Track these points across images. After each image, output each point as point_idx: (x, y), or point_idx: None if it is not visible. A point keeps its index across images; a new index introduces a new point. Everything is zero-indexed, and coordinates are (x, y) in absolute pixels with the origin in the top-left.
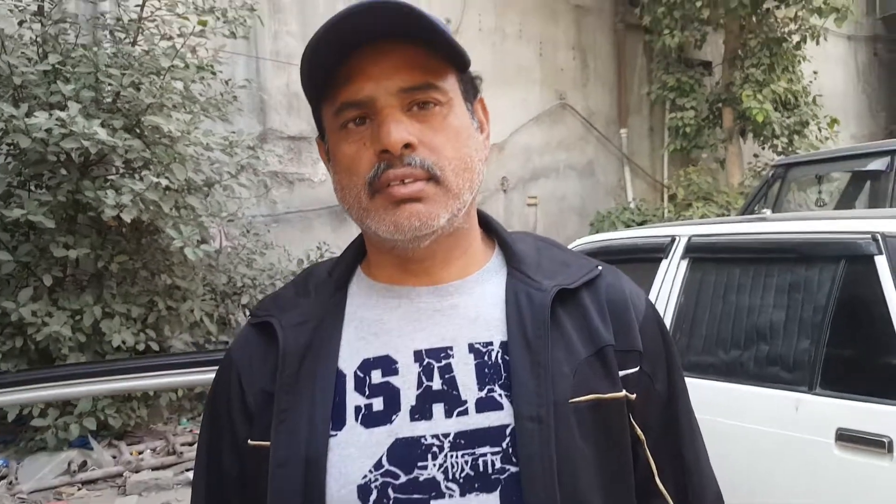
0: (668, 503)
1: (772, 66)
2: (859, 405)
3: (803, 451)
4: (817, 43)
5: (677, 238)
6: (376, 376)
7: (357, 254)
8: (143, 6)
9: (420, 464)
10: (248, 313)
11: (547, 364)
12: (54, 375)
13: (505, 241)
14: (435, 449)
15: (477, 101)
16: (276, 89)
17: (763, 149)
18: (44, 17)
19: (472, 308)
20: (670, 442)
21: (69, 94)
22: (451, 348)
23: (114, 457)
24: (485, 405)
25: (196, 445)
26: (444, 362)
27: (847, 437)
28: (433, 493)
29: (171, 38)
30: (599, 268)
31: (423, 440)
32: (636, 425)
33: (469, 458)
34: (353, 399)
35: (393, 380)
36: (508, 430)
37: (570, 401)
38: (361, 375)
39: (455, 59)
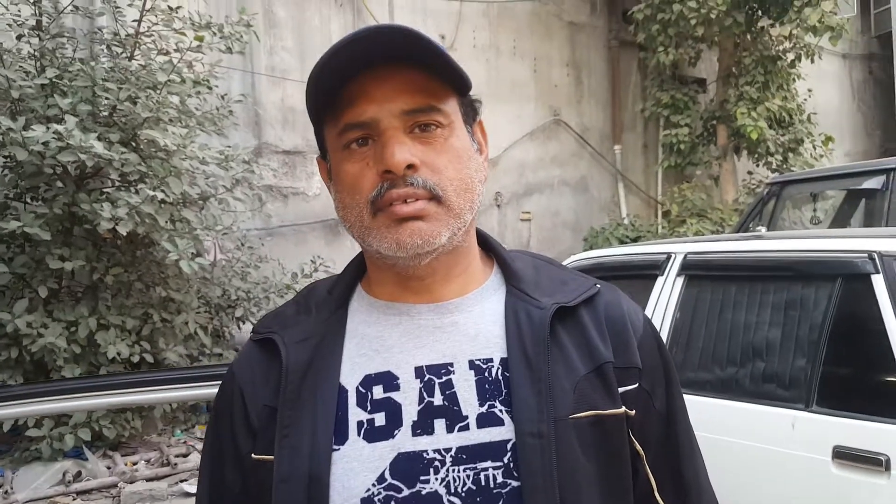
0: None
1: (766, 84)
2: (856, 423)
3: (800, 469)
4: (812, 61)
5: (673, 255)
6: (378, 392)
7: (357, 272)
8: (140, 21)
9: (422, 478)
10: (241, 326)
11: (547, 380)
12: (52, 390)
13: (503, 260)
14: (437, 463)
15: (476, 124)
16: (271, 104)
17: (757, 166)
18: (42, 32)
19: (471, 325)
20: (669, 458)
21: (66, 108)
22: (451, 365)
23: (108, 467)
24: (486, 420)
25: (199, 460)
26: (444, 378)
27: (844, 455)
28: None
29: (167, 52)
30: (598, 286)
31: (425, 454)
32: (635, 441)
33: (471, 473)
34: (356, 414)
35: (394, 395)
36: (510, 445)
37: (571, 416)
38: (363, 391)
39: (456, 83)
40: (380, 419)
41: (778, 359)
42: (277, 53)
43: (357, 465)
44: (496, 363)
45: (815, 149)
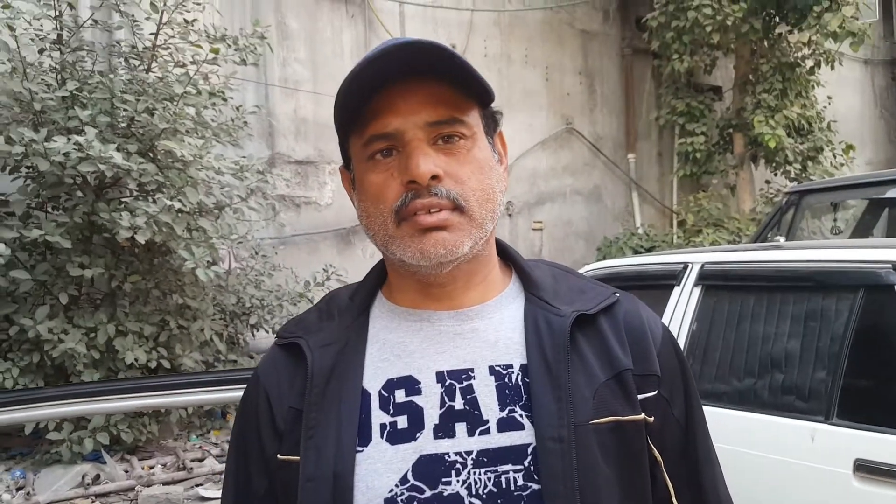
0: None
1: (784, 92)
2: (878, 436)
3: (820, 482)
4: (832, 68)
5: (690, 265)
6: (400, 395)
7: (378, 279)
8: (157, 34)
9: (444, 479)
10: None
11: (567, 387)
12: (71, 393)
13: (522, 268)
14: (458, 466)
15: (497, 135)
16: (284, 115)
17: (775, 175)
18: (62, 46)
19: (491, 332)
20: (687, 465)
21: (86, 120)
22: (472, 370)
23: (126, 471)
24: (506, 425)
25: (214, 465)
26: (465, 383)
27: (866, 468)
28: None
29: (184, 65)
30: (617, 294)
31: (446, 457)
32: (654, 448)
33: (492, 476)
34: (379, 417)
35: (416, 399)
36: (530, 449)
37: (591, 422)
38: (386, 394)
39: (479, 95)
40: (402, 422)
41: (797, 370)
42: (290, 65)
43: (380, 466)
44: (516, 369)
45: (835, 157)
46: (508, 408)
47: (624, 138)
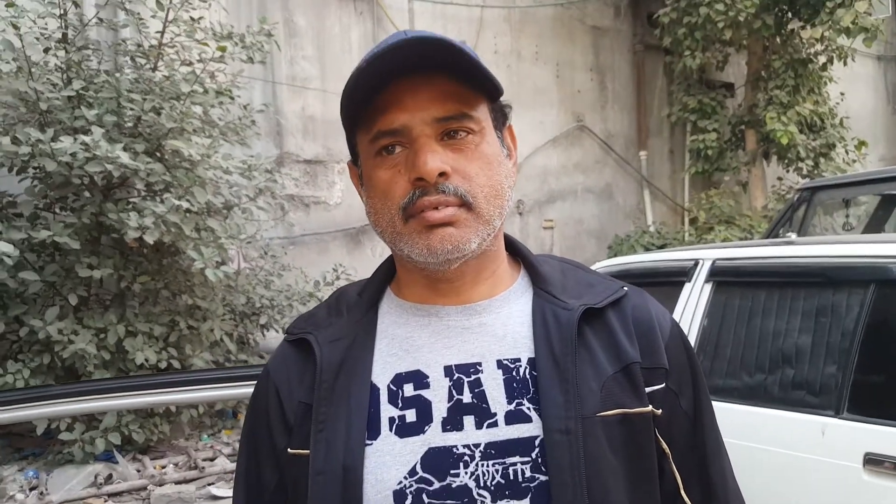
0: None
1: (797, 88)
2: (888, 430)
3: (830, 476)
4: (845, 64)
5: (701, 261)
6: (408, 389)
7: (386, 275)
8: (163, 32)
9: (453, 471)
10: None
11: (574, 380)
12: (82, 390)
13: (531, 263)
14: (466, 458)
15: (506, 129)
16: (292, 113)
17: (787, 172)
18: (68, 45)
19: (499, 326)
20: (696, 457)
21: (92, 119)
22: (479, 364)
23: (138, 470)
24: (514, 418)
25: (226, 464)
26: (473, 377)
27: (876, 462)
28: (466, 500)
29: (190, 63)
30: (625, 288)
31: (454, 449)
32: (662, 440)
33: (500, 467)
34: (387, 411)
35: (424, 393)
36: (538, 442)
37: (598, 415)
38: (394, 389)
39: (488, 89)
40: (411, 415)
41: (808, 365)
42: (298, 63)
43: (389, 459)
44: (524, 363)
45: (847, 154)
46: (516, 401)
47: (635, 135)
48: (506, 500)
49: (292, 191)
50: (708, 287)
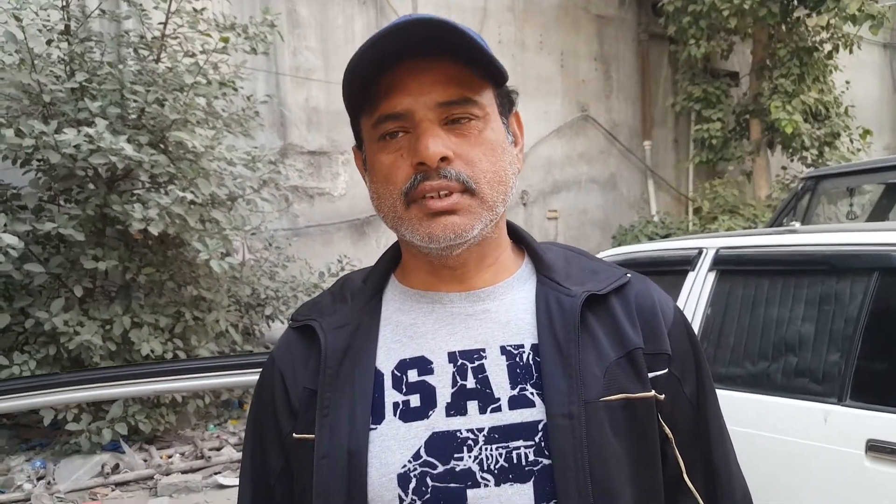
0: (698, 501)
1: (802, 77)
2: (891, 416)
3: (833, 463)
4: (850, 52)
5: (705, 250)
6: (413, 375)
7: (390, 263)
8: (165, 24)
9: (456, 455)
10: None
11: (577, 365)
12: (87, 378)
13: (534, 251)
14: (470, 442)
15: (512, 115)
16: (295, 105)
17: (792, 161)
18: (70, 37)
19: (503, 313)
20: (699, 442)
21: (96, 111)
22: (483, 350)
23: (144, 460)
24: (517, 403)
25: (231, 453)
26: (477, 363)
27: (878, 449)
28: (469, 483)
29: (193, 54)
30: (628, 275)
31: (458, 434)
32: (664, 425)
33: (503, 451)
34: (392, 396)
35: (428, 379)
36: (541, 426)
37: (601, 399)
38: (398, 374)
39: (493, 74)
40: (415, 401)
41: (811, 353)
42: (301, 53)
43: (393, 444)
44: (527, 349)
45: (852, 143)
46: (519, 386)
47: (640, 125)
48: (509, 483)
49: (296, 182)
50: (712, 276)
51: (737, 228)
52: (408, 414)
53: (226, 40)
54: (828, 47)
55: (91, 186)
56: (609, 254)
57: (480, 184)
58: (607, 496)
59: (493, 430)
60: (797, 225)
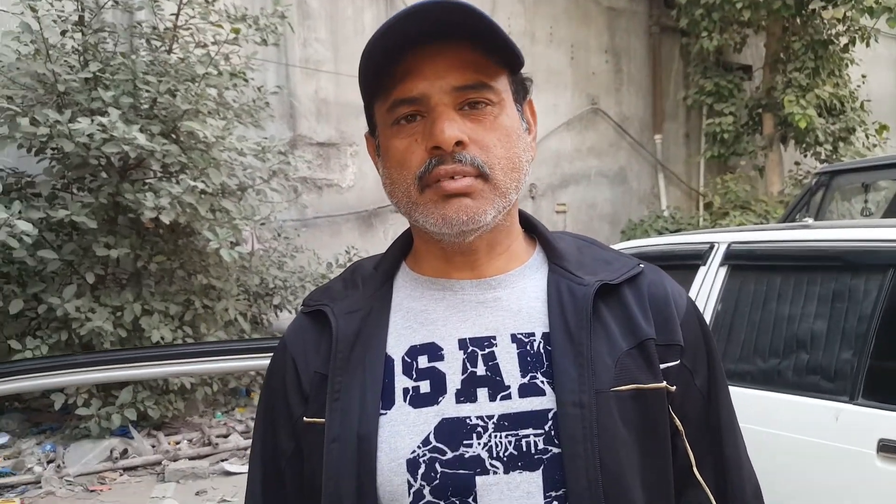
0: (707, 493)
1: (816, 70)
2: None
3: (843, 462)
4: (867, 45)
5: (716, 245)
6: (423, 361)
7: (401, 250)
8: (177, 15)
9: (466, 442)
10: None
11: (588, 354)
12: (98, 360)
13: (546, 239)
14: (479, 429)
15: (526, 103)
16: (305, 96)
17: (805, 156)
18: (84, 27)
19: (514, 301)
20: (709, 435)
21: (109, 101)
22: (494, 338)
23: (153, 446)
24: (527, 391)
25: (253, 426)
26: (487, 350)
27: (890, 448)
28: (478, 470)
29: (205, 45)
30: (641, 265)
31: (468, 420)
32: (675, 416)
33: (513, 439)
34: (402, 382)
35: (439, 365)
36: (551, 414)
37: (612, 389)
38: (409, 360)
39: (509, 60)
40: (425, 387)
41: (823, 350)
42: (311, 45)
43: (403, 429)
44: (538, 337)
45: (867, 138)
46: (530, 374)
47: (650, 119)
48: (518, 471)
49: (305, 173)
50: (723, 270)
51: (748, 224)
52: (418, 400)
53: (237, 31)
54: (844, 40)
55: (104, 175)
56: (619, 247)
57: (495, 170)
58: (617, 486)
59: (502, 417)
60: (810, 221)
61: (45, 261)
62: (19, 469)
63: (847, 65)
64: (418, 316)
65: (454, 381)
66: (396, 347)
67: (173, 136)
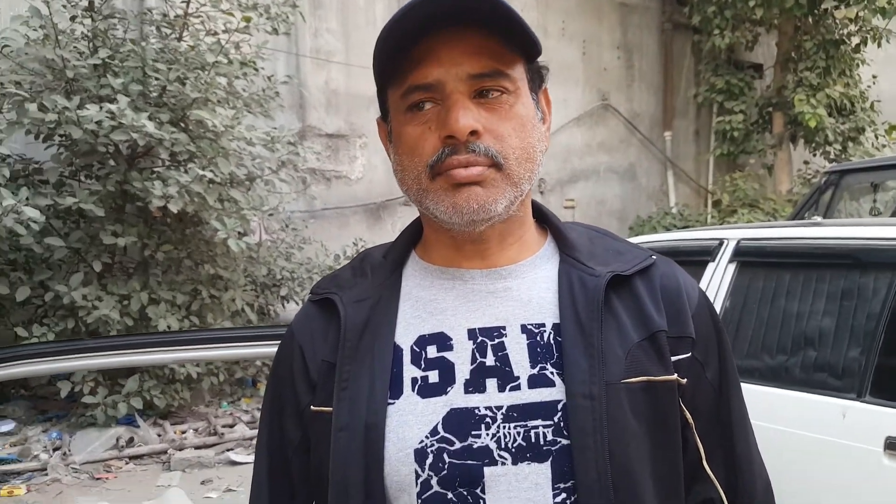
0: (717, 487)
1: (827, 70)
2: None
3: (850, 459)
4: (879, 45)
5: (725, 241)
6: (432, 351)
7: (411, 238)
8: (188, 2)
9: (474, 432)
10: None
11: (599, 346)
12: (101, 346)
13: (558, 230)
14: (488, 420)
15: (542, 92)
16: (315, 87)
17: (814, 155)
18: (94, 13)
19: (524, 291)
20: (720, 429)
21: (118, 88)
22: (503, 328)
23: (158, 435)
24: (537, 382)
25: (260, 414)
26: (497, 341)
27: None
28: (486, 460)
29: (215, 33)
30: (654, 257)
31: (476, 411)
32: (685, 409)
33: (521, 430)
34: (410, 371)
35: (448, 355)
36: (560, 406)
37: (622, 381)
38: (417, 350)
39: (526, 48)
40: (433, 376)
41: (831, 348)
42: (322, 35)
43: (411, 419)
44: (548, 328)
45: (877, 138)
46: (539, 365)
47: (661, 115)
48: (527, 462)
49: (314, 164)
50: (732, 267)
51: (756, 222)
52: (426, 390)
53: (248, 20)
54: (855, 40)
55: (112, 163)
56: None
57: (509, 159)
58: (626, 478)
59: (511, 408)
60: (819, 220)
61: (52, 248)
62: (25, 456)
63: (858, 65)
64: (427, 305)
65: (463, 372)
66: (405, 337)
67: (182, 124)
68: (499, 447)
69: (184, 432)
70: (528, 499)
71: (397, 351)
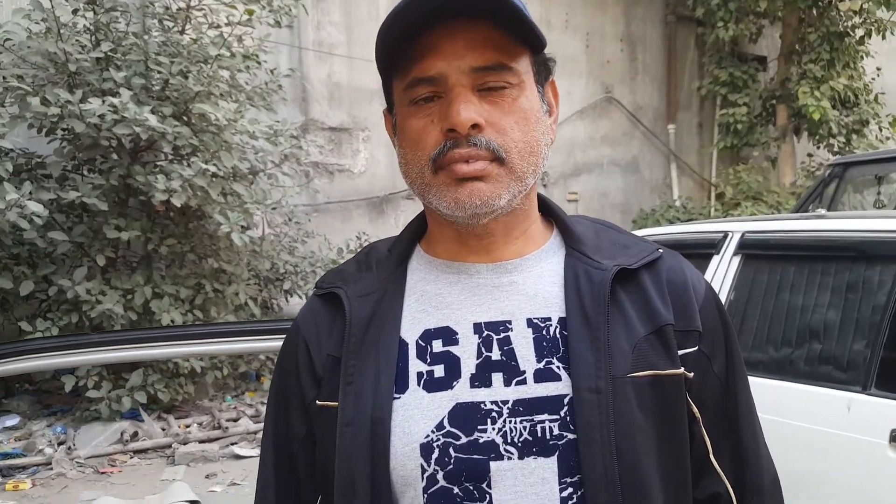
0: (724, 481)
1: (832, 62)
2: None
3: (855, 452)
4: (883, 37)
5: (730, 234)
6: (437, 346)
7: (416, 232)
8: None
9: (480, 427)
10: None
11: (605, 339)
12: (106, 340)
13: (564, 223)
14: (494, 414)
15: (548, 84)
16: (317, 80)
17: (818, 148)
18: (96, 6)
19: (530, 285)
20: (727, 422)
21: (121, 81)
22: (509, 322)
23: (163, 429)
24: (543, 376)
25: (265, 409)
26: (502, 335)
27: None
28: (492, 455)
29: (218, 26)
30: (660, 250)
31: (482, 405)
32: (692, 403)
33: (527, 424)
34: (416, 366)
35: (453, 349)
36: (566, 400)
37: (629, 375)
38: (423, 344)
39: (531, 40)
40: (439, 371)
41: (836, 340)
42: (324, 28)
43: (417, 413)
44: (554, 322)
45: (881, 131)
46: (545, 359)
47: (664, 108)
48: (533, 456)
49: (317, 158)
50: (736, 260)
51: (760, 215)
52: (432, 384)
53: (250, 13)
54: (860, 32)
55: (115, 157)
56: None
57: (511, 153)
58: (633, 473)
59: (517, 402)
60: (823, 212)
61: (55, 242)
62: (30, 451)
63: (862, 57)
64: (433, 299)
65: (469, 366)
66: (411, 331)
67: (185, 118)
68: (505, 441)
69: (188, 426)
70: (535, 493)
71: (403, 345)
